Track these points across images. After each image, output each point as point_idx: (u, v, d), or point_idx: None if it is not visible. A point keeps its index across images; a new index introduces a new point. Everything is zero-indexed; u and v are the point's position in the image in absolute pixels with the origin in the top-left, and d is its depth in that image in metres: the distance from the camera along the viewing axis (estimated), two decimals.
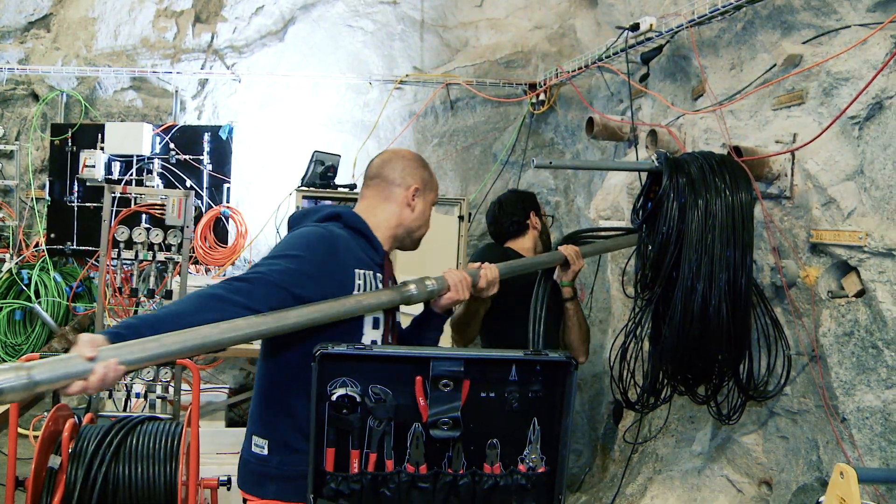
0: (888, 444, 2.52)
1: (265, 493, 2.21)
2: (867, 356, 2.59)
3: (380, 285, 2.30)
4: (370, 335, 2.28)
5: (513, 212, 3.60)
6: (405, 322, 2.59)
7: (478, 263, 2.61)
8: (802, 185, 2.84)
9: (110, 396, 4.62)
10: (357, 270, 2.24)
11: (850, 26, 2.74)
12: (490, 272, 2.54)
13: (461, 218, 5.14)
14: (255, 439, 2.25)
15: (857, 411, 2.61)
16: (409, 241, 2.49)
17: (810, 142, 2.74)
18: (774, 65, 3.08)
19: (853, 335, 2.64)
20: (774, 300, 3.02)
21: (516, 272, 2.84)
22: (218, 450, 4.19)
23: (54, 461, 2.83)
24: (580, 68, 4.74)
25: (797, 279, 2.89)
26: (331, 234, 2.23)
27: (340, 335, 2.10)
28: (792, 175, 2.89)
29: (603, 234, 3.43)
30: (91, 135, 5.57)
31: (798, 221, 2.88)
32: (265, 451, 2.22)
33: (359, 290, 2.22)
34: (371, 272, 2.28)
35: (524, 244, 3.59)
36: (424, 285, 2.34)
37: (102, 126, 5.55)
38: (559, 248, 3.16)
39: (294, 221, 2.39)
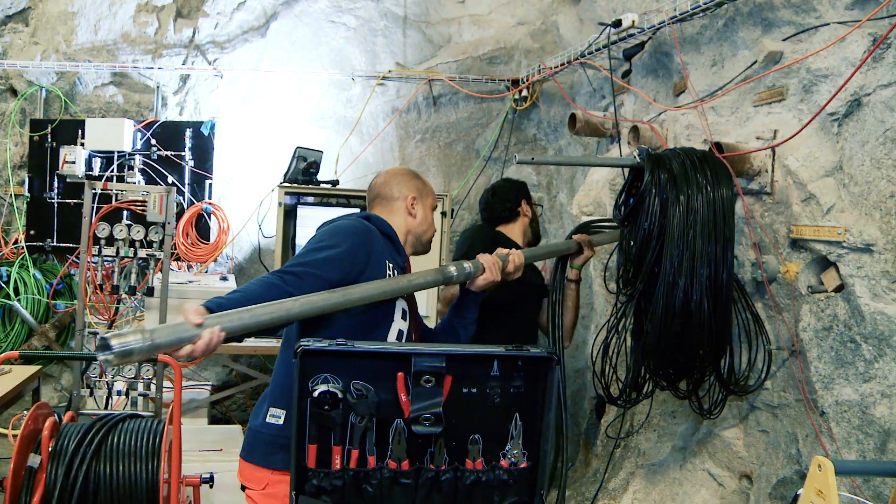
0: (865, 437, 2.54)
1: (272, 462, 2.29)
2: (846, 350, 2.62)
3: None
4: (398, 324, 2.45)
5: (505, 198, 3.76)
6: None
7: (506, 250, 2.78)
8: (783, 181, 2.86)
9: (91, 394, 4.59)
10: (388, 262, 2.44)
11: (829, 24, 2.76)
12: (518, 257, 2.74)
13: (444, 214, 5.13)
14: (273, 410, 2.33)
15: (836, 405, 2.64)
16: (420, 245, 2.70)
17: (790, 138, 2.76)
18: (755, 62, 3.10)
19: (832, 330, 2.67)
20: (755, 295, 3.04)
21: (536, 258, 3.08)
22: (200, 447, 4.17)
23: (34, 460, 2.81)
24: (563, 64, 4.75)
25: (777, 274, 2.91)
26: (366, 226, 2.45)
27: (374, 321, 2.35)
28: (772, 171, 2.91)
29: (610, 225, 3.50)
30: (71, 130, 5.52)
31: (778, 217, 2.90)
32: (281, 422, 2.30)
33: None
34: (396, 269, 2.48)
35: (514, 230, 3.73)
36: (463, 267, 2.58)
37: (83, 122, 5.50)
38: (573, 237, 3.24)
39: (328, 223, 2.55)
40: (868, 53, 2.49)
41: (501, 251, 2.76)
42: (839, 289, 2.65)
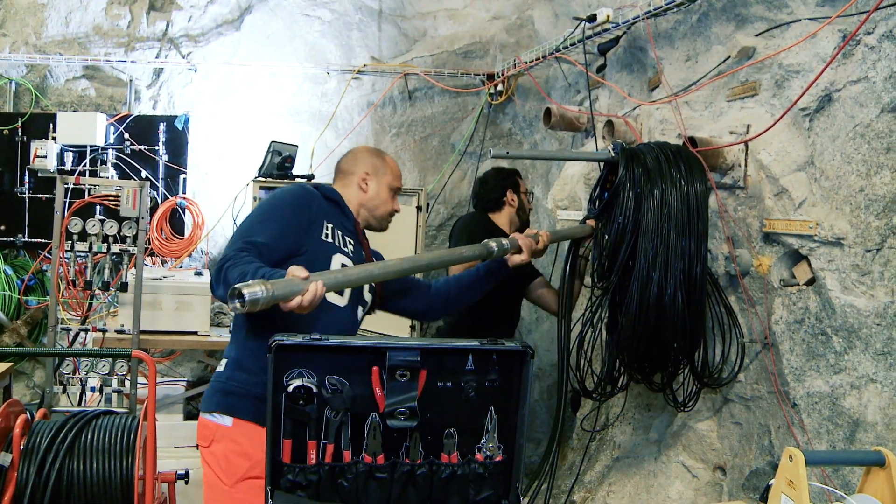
0: (835, 428, 2.58)
1: (209, 406, 2.46)
2: (817, 343, 2.65)
3: (349, 246, 2.62)
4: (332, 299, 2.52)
5: (492, 188, 3.96)
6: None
7: (535, 230, 3.03)
8: (755, 175, 2.88)
9: (64, 391, 4.54)
10: (326, 222, 2.56)
11: (800, 20, 2.79)
12: (546, 237, 2.99)
13: (419, 208, 5.13)
14: (222, 360, 2.54)
15: (807, 396, 2.67)
16: (374, 219, 2.81)
17: (763, 133, 2.79)
18: (728, 57, 3.12)
19: (804, 322, 2.70)
20: (728, 289, 3.06)
21: (560, 239, 3.29)
22: (176, 443, 4.15)
23: (5, 458, 2.77)
24: (538, 59, 4.75)
25: (750, 268, 2.94)
26: (305, 189, 2.61)
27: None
28: (745, 165, 2.93)
29: None
30: (42, 124, 5.44)
31: (751, 211, 2.93)
32: (222, 368, 2.51)
33: (325, 238, 2.53)
34: (341, 231, 2.61)
35: (500, 219, 3.93)
36: (501, 243, 2.83)
37: (54, 115, 5.43)
38: (586, 221, 3.30)
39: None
40: (838, 49, 2.51)
41: (531, 232, 2.99)
42: (811, 282, 2.68)
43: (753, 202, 2.91)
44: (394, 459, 2.03)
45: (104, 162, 5.53)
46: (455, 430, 2.06)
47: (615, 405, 3.82)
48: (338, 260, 2.55)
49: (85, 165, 5.48)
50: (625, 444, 3.75)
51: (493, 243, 2.85)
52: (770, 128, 2.75)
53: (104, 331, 4.61)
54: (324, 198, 2.65)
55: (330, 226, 2.58)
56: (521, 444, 2.09)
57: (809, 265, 2.68)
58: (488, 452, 2.08)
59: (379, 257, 2.85)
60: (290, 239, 2.45)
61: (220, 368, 2.52)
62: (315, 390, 1.95)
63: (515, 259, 2.87)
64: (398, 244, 4.85)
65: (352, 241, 2.67)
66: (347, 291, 2.57)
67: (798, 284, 2.73)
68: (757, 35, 3.00)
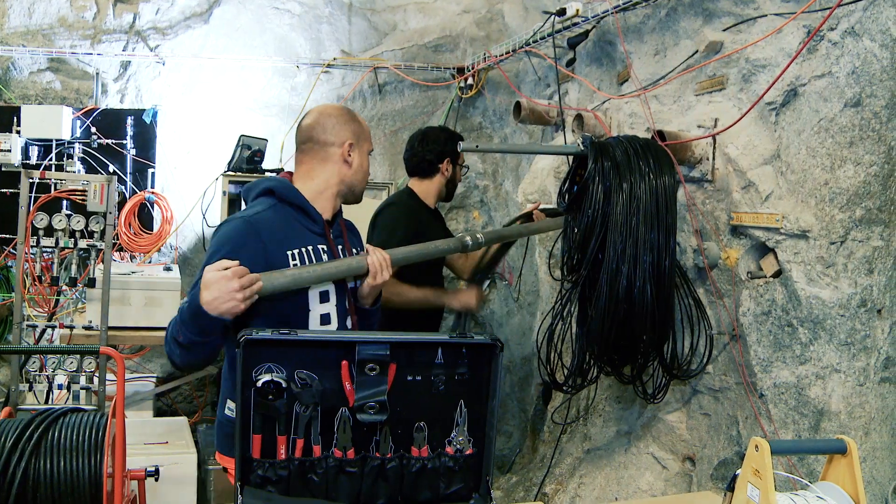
0: (801, 417, 2.62)
1: (234, 453, 2.25)
2: (783, 334, 2.68)
3: (324, 256, 2.38)
4: (318, 310, 2.37)
5: (429, 149, 3.63)
6: None
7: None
8: (723, 168, 2.91)
9: (31, 389, 4.48)
10: (290, 252, 2.30)
11: (766, 15, 2.82)
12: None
13: None
14: (229, 403, 2.38)
15: (774, 387, 2.71)
16: (352, 196, 2.52)
17: (730, 126, 2.81)
18: (696, 51, 3.14)
19: (770, 314, 2.73)
20: (697, 281, 3.09)
21: (501, 240, 3.26)
22: (145, 440, 4.11)
23: None
24: (508, 53, 4.76)
25: (719, 260, 2.97)
26: (251, 225, 2.28)
27: (285, 316, 2.28)
28: (713, 159, 2.96)
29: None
30: (6, 118, 5.34)
31: (719, 204, 2.96)
32: (234, 414, 2.25)
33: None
34: (309, 247, 2.35)
35: (429, 188, 3.66)
36: (476, 237, 2.90)
37: (18, 108, 5.34)
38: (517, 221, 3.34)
39: (242, 195, 2.52)
40: (802, 45, 2.54)
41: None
42: (777, 274, 2.71)
43: (721, 195, 2.94)
44: (364, 454, 2.03)
45: (70, 156, 5.45)
46: (425, 423, 2.06)
47: (585, 398, 3.84)
48: (317, 289, 2.36)
49: (51, 160, 5.39)
50: (595, 437, 3.78)
51: (468, 237, 2.91)
52: (737, 122, 2.78)
53: (72, 327, 4.56)
54: (283, 204, 2.37)
55: (295, 252, 2.32)
56: (492, 437, 2.09)
57: (776, 257, 2.71)
58: (458, 446, 2.09)
59: (357, 241, 2.67)
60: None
61: (232, 414, 2.32)
62: (284, 385, 1.94)
63: (364, 287, 2.47)
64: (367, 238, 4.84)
65: (325, 251, 2.41)
66: (334, 311, 2.41)
67: (765, 277, 2.76)
68: (724, 30, 3.03)
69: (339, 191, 2.46)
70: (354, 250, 2.55)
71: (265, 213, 2.33)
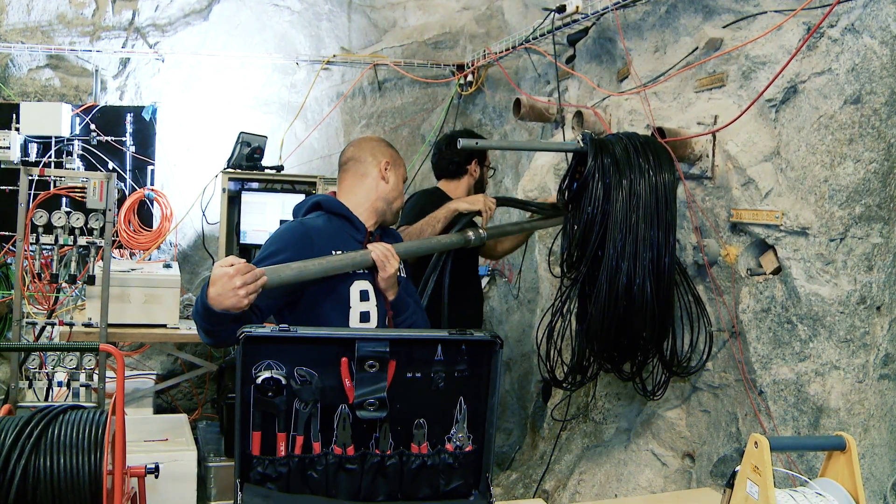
0: (800, 414, 2.62)
1: None
2: (783, 331, 2.68)
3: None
4: (358, 307, 2.49)
5: (458, 151, 3.65)
6: None
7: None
8: (723, 165, 2.91)
9: (30, 386, 4.48)
10: (335, 252, 2.45)
11: (766, 12, 2.81)
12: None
13: None
14: None
15: (773, 384, 2.71)
16: (390, 213, 2.70)
17: (730, 123, 2.81)
18: (696, 48, 3.14)
19: (770, 311, 2.73)
20: (697, 278, 3.09)
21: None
22: (145, 437, 4.11)
23: None
24: (507, 49, 4.76)
25: (718, 257, 2.97)
26: (304, 226, 2.49)
27: (327, 311, 2.43)
28: (713, 156, 2.96)
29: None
30: (5, 115, 5.33)
31: (719, 201, 2.96)
32: None
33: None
34: (352, 251, 2.49)
35: (457, 189, 3.76)
36: (479, 233, 3.00)
37: (17, 106, 5.33)
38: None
39: (294, 214, 2.66)
40: (802, 42, 2.54)
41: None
42: (777, 271, 2.71)
43: (721, 192, 2.94)
44: (363, 451, 2.03)
45: (70, 153, 5.44)
46: (425, 420, 2.06)
47: (585, 394, 3.84)
48: (358, 287, 2.50)
49: (50, 157, 5.38)
50: (595, 433, 3.78)
51: (470, 232, 2.98)
52: (737, 118, 2.78)
53: (71, 325, 4.56)
54: (330, 215, 2.56)
55: (339, 253, 2.48)
56: (491, 434, 2.09)
57: (776, 254, 2.71)
58: (458, 443, 2.09)
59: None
60: (287, 286, 2.35)
61: None
62: (284, 382, 1.94)
63: (380, 281, 2.55)
64: None
65: None
66: (374, 310, 2.52)
67: (764, 273, 2.76)
68: (724, 27, 3.02)
69: (378, 207, 2.64)
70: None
71: (318, 219, 2.54)
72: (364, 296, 2.50)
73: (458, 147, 3.00)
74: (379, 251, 2.50)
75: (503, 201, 3.50)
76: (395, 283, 2.58)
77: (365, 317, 2.48)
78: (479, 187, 3.83)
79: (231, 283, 2.09)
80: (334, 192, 2.70)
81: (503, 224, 3.51)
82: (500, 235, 3.43)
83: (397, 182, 2.70)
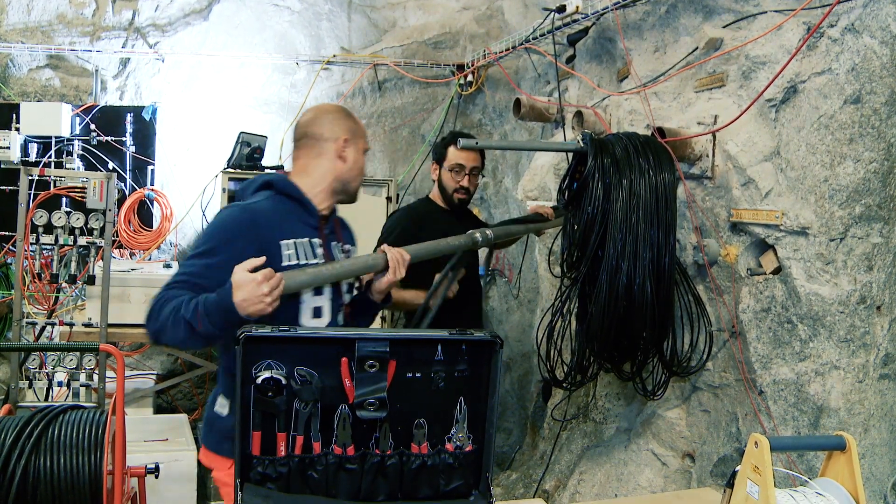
0: (800, 414, 2.62)
1: (222, 451, 2.36)
2: (783, 331, 2.68)
3: (318, 250, 2.39)
4: (311, 302, 2.38)
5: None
6: None
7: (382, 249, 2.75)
8: (723, 165, 2.91)
9: (31, 386, 4.48)
10: (283, 242, 2.30)
11: (766, 12, 2.82)
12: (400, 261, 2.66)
13: (389, 199, 5.12)
14: (220, 399, 2.39)
15: (774, 384, 2.71)
16: (346, 193, 2.52)
17: (730, 123, 2.81)
18: (696, 48, 3.14)
19: (770, 311, 2.73)
20: (697, 278, 3.09)
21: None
22: (145, 437, 4.11)
23: None
24: (507, 49, 4.76)
25: (718, 257, 2.97)
26: (250, 214, 2.30)
27: (280, 300, 2.19)
28: (713, 156, 2.96)
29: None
30: (5, 115, 5.33)
31: (719, 201, 2.96)
32: (226, 412, 2.36)
33: (289, 261, 2.29)
34: (304, 239, 2.36)
35: (434, 190, 3.67)
36: (486, 234, 2.98)
37: (17, 105, 5.33)
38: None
39: (238, 195, 2.47)
40: (802, 41, 2.54)
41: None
42: (777, 271, 2.71)
43: (721, 192, 2.94)
44: (363, 450, 2.02)
45: (70, 153, 5.45)
46: (425, 420, 2.06)
47: (585, 394, 3.84)
48: (308, 308, 2.38)
49: (50, 157, 5.39)
50: (595, 433, 3.78)
51: (477, 234, 2.96)
52: (737, 118, 2.78)
53: (71, 324, 4.56)
54: (281, 197, 2.38)
55: (289, 242, 2.32)
56: (492, 434, 2.09)
57: (776, 254, 2.71)
58: (458, 443, 2.08)
59: (350, 237, 2.66)
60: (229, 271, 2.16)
61: (223, 411, 2.37)
62: (284, 382, 1.93)
63: (382, 283, 2.52)
64: (367, 236, 4.83)
65: (321, 245, 2.41)
66: (328, 304, 2.42)
67: (764, 273, 2.76)
68: (724, 27, 3.02)
69: (334, 187, 2.47)
70: (347, 246, 2.58)
71: (263, 202, 2.35)
72: (317, 290, 2.39)
73: (458, 147, 3.00)
74: (393, 256, 2.48)
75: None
76: (389, 290, 2.57)
77: (317, 312, 2.39)
78: (442, 189, 3.60)
79: (259, 290, 2.07)
80: (288, 173, 2.52)
81: (508, 224, 3.50)
82: (507, 236, 3.43)
83: (356, 159, 2.49)
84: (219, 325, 2.11)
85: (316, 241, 2.40)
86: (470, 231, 3.01)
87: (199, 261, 2.23)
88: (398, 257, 2.49)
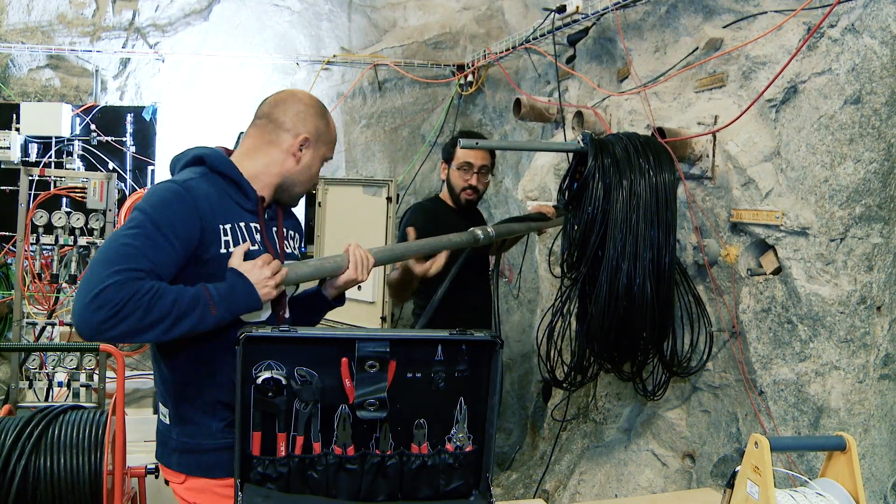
0: (800, 414, 2.62)
1: (170, 463, 2.18)
2: (783, 331, 2.68)
3: (256, 235, 2.16)
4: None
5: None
6: None
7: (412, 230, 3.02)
8: (723, 165, 2.91)
9: (31, 387, 4.48)
10: (222, 226, 2.07)
11: (766, 12, 2.81)
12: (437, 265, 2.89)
13: (389, 199, 5.11)
14: (161, 407, 2.23)
15: (774, 384, 2.71)
16: (288, 195, 2.29)
17: (730, 123, 2.81)
18: (696, 48, 3.14)
19: (770, 311, 2.73)
20: (697, 278, 3.09)
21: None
22: (146, 437, 4.10)
23: None
24: (507, 50, 4.76)
25: (718, 258, 2.96)
26: (188, 192, 2.02)
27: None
28: (713, 156, 2.95)
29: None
30: (5, 115, 5.34)
31: (719, 201, 2.95)
32: (167, 420, 2.19)
33: (227, 246, 2.06)
34: (241, 223, 2.12)
35: (444, 190, 3.76)
36: (487, 231, 3.01)
37: (17, 106, 5.34)
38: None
39: (171, 167, 2.26)
40: (803, 42, 2.54)
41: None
42: (777, 271, 2.71)
43: (721, 192, 2.94)
44: (364, 451, 2.03)
45: (70, 153, 5.45)
46: (425, 420, 2.06)
47: (585, 395, 3.84)
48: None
49: (50, 157, 5.39)
50: (595, 434, 3.78)
51: (479, 231, 2.99)
52: (737, 119, 2.78)
53: (71, 325, 4.56)
54: (214, 175, 2.12)
55: (227, 227, 2.08)
56: (492, 434, 2.09)
57: (776, 254, 2.71)
58: (458, 443, 2.08)
59: (298, 228, 2.47)
60: (181, 261, 1.99)
61: (165, 420, 2.20)
62: (284, 382, 1.94)
63: (339, 281, 2.33)
64: (367, 236, 4.84)
65: (257, 230, 2.17)
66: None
67: (765, 274, 2.76)
68: (724, 27, 3.02)
69: (276, 183, 2.23)
70: (291, 232, 2.38)
71: (197, 180, 2.08)
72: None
73: (459, 147, 3.00)
74: (357, 256, 2.31)
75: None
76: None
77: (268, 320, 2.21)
78: (450, 189, 3.68)
79: (262, 273, 2.01)
80: (227, 150, 2.28)
81: (510, 222, 3.49)
82: (509, 234, 3.42)
83: (311, 164, 2.25)
84: (223, 314, 1.96)
85: (255, 225, 2.17)
86: (471, 228, 3.02)
87: (144, 241, 1.91)
88: (361, 258, 2.32)
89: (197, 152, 2.19)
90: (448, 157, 3.67)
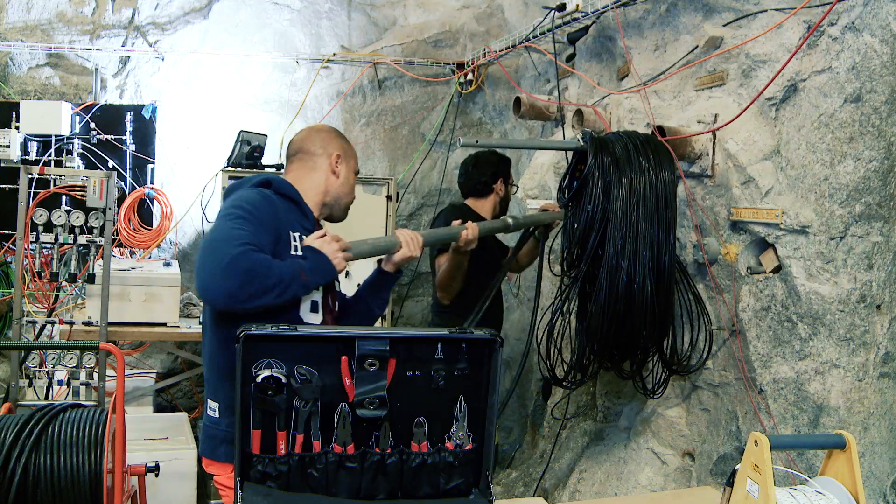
0: (800, 413, 2.62)
1: (217, 456, 2.31)
2: (783, 329, 2.68)
3: None
4: (311, 295, 2.37)
5: (483, 171, 3.91)
6: None
7: (458, 221, 3.07)
8: (723, 164, 2.91)
9: (31, 385, 4.47)
10: (292, 232, 2.33)
11: (766, 10, 2.81)
12: (473, 230, 3.00)
13: (389, 198, 5.11)
14: (209, 402, 2.36)
15: (773, 382, 2.71)
16: (338, 209, 2.60)
17: (730, 122, 2.81)
18: (696, 46, 3.14)
19: (770, 309, 2.73)
20: (697, 276, 3.09)
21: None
22: (146, 436, 4.11)
23: None
24: (507, 48, 4.76)
25: (718, 256, 2.97)
26: (269, 199, 2.32)
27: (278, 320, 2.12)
28: (713, 154, 2.96)
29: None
30: (4, 113, 5.32)
31: (719, 200, 2.96)
32: (216, 414, 2.32)
33: (295, 251, 2.30)
34: (304, 235, 2.38)
35: (484, 206, 3.91)
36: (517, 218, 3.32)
37: (17, 104, 5.33)
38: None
39: (230, 190, 2.46)
40: (803, 40, 2.54)
41: (456, 223, 3.03)
42: (777, 269, 2.71)
43: (721, 191, 2.94)
44: (364, 449, 2.03)
45: (70, 152, 5.44)
46: (425, 418, 2.06)
47: (585, 393, 3.84)
48: (306, 303, 2.37)
49: (50, 155, 5.38)
50: (595, 432, 3.78)
51: (509, 218, 3.27)
52: (737, 117, 2.78)
53: (71, 323, 4.56)
54: (279, 197, 2.37)
55: (296, 235, 2.33)
56: (491, 432, 2.09)
57: (776, 253, 2.71)
58: (458, 441, 2.08)
59: None
60: (271, 250, 2.22)
61: (214, 414, 2.32)
62: (284, 380, 1.93)
63: (396, 258, 2.62)
64: (367, 234, 4.82)
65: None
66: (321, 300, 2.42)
67: (764, 272, 2.76)
68: (724, 25, 3.02)
69: (325, 201, 2.54)
70: None
71: (272, 194, 2.36)
72: (314, 307, 2.39)
73: (459, 146, 3.00)
74: (406, 236, 2.62)
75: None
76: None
77: (314, 306, 2.38)
78: (503, 204, 3.96)
79: (333, 247, 2.30)
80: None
81: (535, 214, 3.60)
82: (535, 223, 3.49)
83: (347, 176, 2.57)
84: (316, 281, 2.29)
85: None
86: (503, 216, 3.35)
87: (249, 226, 2.17)
88: (411, 236, 2.63)
89: (265, 176, 2.46)
90: (507, 175, 3.95)
